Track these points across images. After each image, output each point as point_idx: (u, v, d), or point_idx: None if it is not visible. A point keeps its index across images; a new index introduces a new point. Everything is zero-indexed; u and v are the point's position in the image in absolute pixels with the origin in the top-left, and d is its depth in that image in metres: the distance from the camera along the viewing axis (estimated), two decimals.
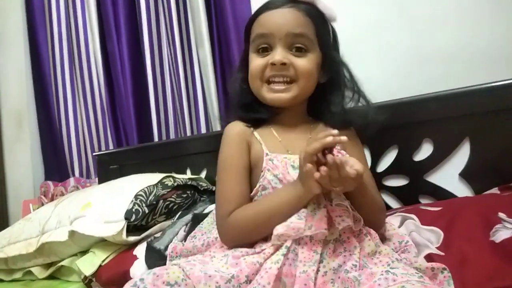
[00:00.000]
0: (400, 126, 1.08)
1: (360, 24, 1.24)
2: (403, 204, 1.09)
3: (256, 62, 0.80)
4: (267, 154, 0.78)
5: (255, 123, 0.84)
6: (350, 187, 0.66)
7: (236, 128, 0.84)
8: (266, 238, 0.70)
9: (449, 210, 0.83)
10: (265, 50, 0.80)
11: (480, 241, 0.70)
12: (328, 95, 0.84)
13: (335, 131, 0.63)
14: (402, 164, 1.09)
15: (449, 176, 1.04)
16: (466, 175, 1.03)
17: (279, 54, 0.76)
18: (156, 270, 0.60)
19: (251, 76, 0.82)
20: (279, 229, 0.66)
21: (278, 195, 0.72)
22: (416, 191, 1.08)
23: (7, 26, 2.16)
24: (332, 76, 0.84)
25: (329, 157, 0.62)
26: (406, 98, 1.08)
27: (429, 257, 0.71)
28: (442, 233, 0.76)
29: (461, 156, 1.03)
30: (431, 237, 0.76)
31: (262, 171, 0.77)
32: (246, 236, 0.73)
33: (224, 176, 0.80)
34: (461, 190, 1.03)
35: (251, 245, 0.72)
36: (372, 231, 0.72)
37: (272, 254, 0.66)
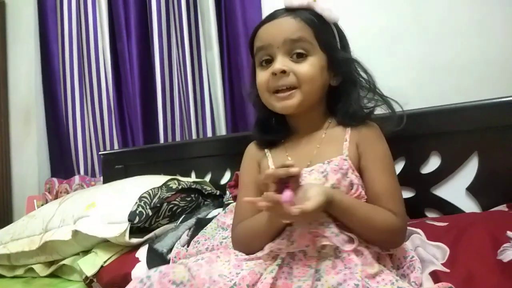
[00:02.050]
0: (408, 138, 1.06)
1: (373, 33, 1.23)
2: (408, 217, 1.07)
3: (260, 76, 0.81)
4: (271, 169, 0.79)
5: (270, 144, 0.86)
6: (302, 221, 0.66)
7: (250, 148, 0.89)
8: None
9: (456, 226, 0.82)
10: (268, 62, 0.80)
11: (487, 259, 0.69)
12: (343, 96, 0.82)
13: (289, 162, 0.63)
14: (409, 176, 1.08)
15: (456, 190, 1.03)
16: (473, 190, 1.01)
17: (278, 63, 0.76)
18: (163, 268, 0.62)
19: (259, 90, 0.82)
20: (265, 249, 0.69)
21: (261, 216, 0.74)
22: (422, 204, 1.07)
23: (19, 23, 2.18)
24: (344, 78, 0.82)
25: (265, 194, 0.61)
26: (416, 109, 1.06)
27: (434, 274, 0.70)
28: (448, 250, 0.75)
29: (469, 171, 1.02)
30: (437, 253, 0.75)
31: None
32: (245, 247, 0.76)
33: (239, 190, 0.87)
34: (468, 205, 1.02)
35: None
36: (369, 257, 0.67)
37: (270, 265, 0.67)
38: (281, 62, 0.76)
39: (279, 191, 0.62)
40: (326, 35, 0.80)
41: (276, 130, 0.86)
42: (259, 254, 0.71)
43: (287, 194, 0.61)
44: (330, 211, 0.67)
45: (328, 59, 0.80)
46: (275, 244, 0.68)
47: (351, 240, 0.67)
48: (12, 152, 2.20)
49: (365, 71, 0.82)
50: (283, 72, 0.76)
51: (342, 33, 0.85)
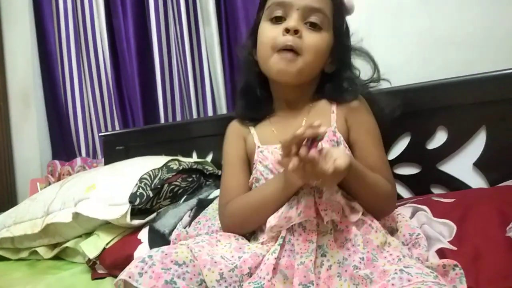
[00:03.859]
0: (413, 113, 1.03)
1: (374, 7, 1.18)
2: (414, 193, 1.06)
3: (268, 30, 0.77)
4: (258, 147, 0.80)
5: (253, 120, 0.85)
6: (329, 182, 0.63)
7: (233, 126, 0.88)
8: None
9: (463, 202, 0.80)
10: (278, 20, 0.76)
11: (495, 236, 0.67)
12: (333, 78, 0.81)
13: (317, 122, 0.59)
14: (415, 152, 1.05)
15: (462, 166, 1.01)
16: (480, 165, 0.99)
17: (294, 21, 0.73)
18: (165, 248, 0.61)
19: (262, 44, 0.78)
20: (271, 221, 0.67)
21: (264, 187, 0.74)
22: (428, 180, 1.05)
23: (13, 2, 2.13)
24: (339, 67, 0.81)
25: (302, 150, 0.57)
26: (421, 83, 1.03)
27: (441, 252, 0.68)
28: (455, 227, 0.73)
29: (476, 145, 0.99)
30: (443, 231, 0.73)
31: (254, 164, 0.79)
32: (240, 226, 0.75)
33: (224, 169, 0.85)
34: (475, 180, 0.99)
35: (251, 234, 0.74)
36: (376, 222, 0.69)
37: (272, 246, 0.66)
38: (296, 21, 0.73)
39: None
40: (341, 20, 0.80)
41: (260, 103, 0.84)
42: (260, 237, 0.69)
43: (314, 152, 0.59)
44: (347, 175, 0.64)
45: (334, 43, 0.78)
46: (284, 214, 0.66)
47: (353, 210, 0.67)
48: (13, 135, 2.18)
49: (374, 63, 0.83)
50: (296, 32, 0.73)
51: (348, 27, 0.84)
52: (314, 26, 0.75)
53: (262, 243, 0.69)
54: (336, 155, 0.59)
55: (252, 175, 0.79)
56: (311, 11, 0.74)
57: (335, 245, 0.64)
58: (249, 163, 0.83)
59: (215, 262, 0.61)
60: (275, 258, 0.63)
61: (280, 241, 0.65)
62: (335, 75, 0.81)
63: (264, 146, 0.79)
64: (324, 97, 0.81)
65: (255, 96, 0.85)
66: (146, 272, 0.56)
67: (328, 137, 0.73)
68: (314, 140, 0.59)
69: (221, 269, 0.61)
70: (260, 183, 0.77)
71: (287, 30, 0.73)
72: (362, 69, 0.87)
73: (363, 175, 0.68)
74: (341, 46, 0.79)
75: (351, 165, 0.62)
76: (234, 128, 0.87)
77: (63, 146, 2.03)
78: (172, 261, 0.59)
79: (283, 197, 0.69)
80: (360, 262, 0.59)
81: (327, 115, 0.78)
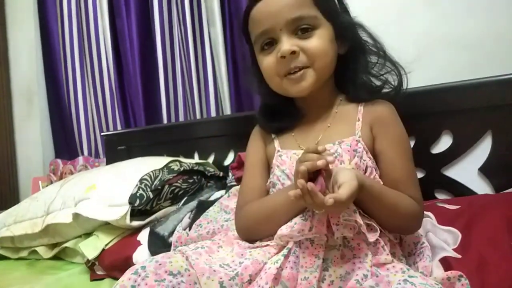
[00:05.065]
0: (418, 116, 1.02)
1: (382, 8, 1.17)
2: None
3: (266, 61, 0.74)
4: (278, 151, 0.78)
5: (277, 129, 0.82)
6: (333, 212, 0.60)
7: (257, 130, 0.86)
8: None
9: (468, 209, 0.78)
10: (270, 44, 0.74)
11: (501, 245, 0.66)
12: (351, 63, 0.77)
13: (321, 148, 0.60)
14: (419, 156, 1.02)
15: (468, 171, 0.99)
16: (486, 170, 0.97)
17: (286, 44, 0.70)
18: (159, 258, 0.59)
19: (267, 77, 0.76)
20: (283, 230, 0.64)
21: (277, 196, 0.71)
22: (432, 185, 1.03)
23: (18, 2, 2.13)
24: (351, 44, 0.76)
25: (299, 182, 0.55)
26: (426, 86, 1.02)
27: (445, 260, 0.67)
28: (460, 234, 0.71)
29: (482, 150, 0.98)
30: (448, 238, 0.72)
31: (272, 168, 0.77)
32: (251, 231, 0.72)
33: (244, 172, 0.83)
34: (480, 186, 0.98)
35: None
36: (388, 247, 0.64)
37: (275, 254, 0.64)
38: (288, 43, 0.70)
39: (311, 177, 0.58)
40: (327, 2, 0.74)
41: (284, 115, 0.81)
42: (265, 242, 0.67)
43: (319, 181, 0.57)
44: (359, 196, 0.60)
45: (333, 27, 0.74)
46: (297, 225, 0.63)
47: (370, 229, 0.62)
48: (16, 133, 2.19)
49: (371, 36, 0.76)
50: (293, 53, 0.70)
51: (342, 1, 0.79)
52: (307, 30, 0.71)
53: (266, 245, 0.66)
54: (341, 180, 0.56)
55: (269, 180, 0.77)
56: (294, 22, 0.70)
57: (341, 261, 0.61)
58: (269, 167, 0.81)
59: (214, 271, 0.59)
60: (277, 268, 0.60)
61: (285, 251, 0.63)
62: (351, 58, 0.77)
63: (283, 151, 0.77)
64: (349, 98, 0.78)
65: (277, 109, 0.82)
66: (139, 284, 0.55)
67: (350, 146, 0.70)
68: (320, 170, 0.58)
69: (221, 278, 0.59)
70: (276, 188, 0.75)
71: (283, 57, 0.70)
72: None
73: (379, 196, 0.64)
74: (341, 26, 0.74)
75: (362, 187, 0.59)
76: (258, 132, 0.86)
77: (65, 145, 2.04)
78: (166, 272, 0.57)
79: (294, 209, 0.66)
80: (362, 279, 0.56)
81: (351, 122, 0.74)
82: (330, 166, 0.61)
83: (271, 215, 0.69)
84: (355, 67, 0.76)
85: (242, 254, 0.66)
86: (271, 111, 0.82)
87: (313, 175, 0.59)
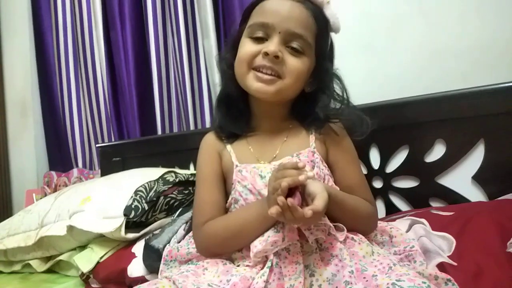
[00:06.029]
0: (411, 125, 1.03)
1: (373, 17, 1.19)
2: (412, 206, 1.05)
3: (247, 47, 0.75)
4: (236, 166, 0.77)
5: (231, 137, 0.82)
6: (310, 223, 0.63)
7: (208, 139, 0.85)
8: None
9: (462, 216, 0.79)
10: (260, 39, 0.75)
11: (496, 252, 0.66)
12: (312, 101, 0.80)
13: (301, 164, 0.61)
14: (413, 165, 1.05)
15: (461, 179, 1.00)
16: (479, 178, 0.98)
17: (274, 45, 0.71)
18: (145, 286, 0.59)
19: (239, 60, 0.76)
20: (257, 245, 0.65)
21: (246, 211, 0.71)
22: (426, 194, 1.04)
23: (12, 13, 2.14)
24: (319, 87, 0.79)
25: (279, 199, 0.57)
26: (419, 96, 1.03)
27: (442, 266, 0.67)
28: (454, 241, 0.72)
29: (475, 159, 0.99)
30: (442, 245, 0.72)
31: (232, 183, 0.77)
32: (219, 248, 0.72)
33: (197, 186, 0.81)
34: (474, 194, 0.99)
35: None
36: (359, 235, 0.69)
37: (261, 269, 0.64)
38: (277, 46, 0.72)
39: (289, 193, 0.60)
40: (324, 42, 0.78)
41: (239, 116, 0.82)
42: (246, 263, 0.68)
43: (297, 196, 0.59)
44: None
45: (315, 65, 0.77)
46: (270, 238, 0.64)
47: (338, 229, 0.67)
48: (10, 145, 2.17)
49: (344, 89, 0.79)
50: (276, 57, 0.72)
51: (333, 45, 0.83)
52: (296, 50, 0.73)
53: (249, 266, 0.67)
54: (314, 193, 0.60)
55: (231, 196, 0.77)
56: (293, 36, 0.72)
57: (322, 264, 0.63)
58: (224, 181, 0.80)
59: None
60: (264, 281, 0.61)
61: (269, 264, 0.63)
62: (313, 97, 0.80)
63: (242, 165, 0.76)
64: (300, 123, 0.81)
65: (234, 108, 0.82)
66: None
67: (307, 157, 0.74)
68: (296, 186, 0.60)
69: None
70: (239, 203, 0.75)
71: (266, 54, 0.72)
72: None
73: (342, 202, 0.69)
74: (321, 69, 0.78)
75: (330, 195, 0.62)
76: (210, 142, 0.84)
77: (60, 157, 2.02)
78: None
79: (266, 224, 0.67)
80: (350, 276, 0.57)
81: (305, 136, 0.79)
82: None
83: (240, 232, 0.69)
84: (313, 106, 0.79)
85: (227, 271, 0.66)
86: (227, 105, 0.83)
87: (289, 190, 0.60)
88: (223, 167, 0.80)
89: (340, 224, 0.67)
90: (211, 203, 0.76)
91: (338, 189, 0.74)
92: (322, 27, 0.76)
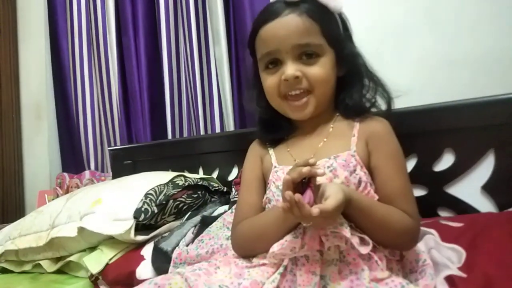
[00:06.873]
0: (421, 134, 1.03)
1: (383, 27, 1.19)
2: (420, 216, 1.04)
3: (269, 80, 0.77)
4: (275, 167, 0.78)
5: (274, 141, 0.84)
6: (321, 224, 0.60)
7: (254, 145, 0.87)
8: None
9: (473, 227, 0.78)
10: (274, 63, 0.76)
11: (508, 265, 0.65)
12: (347, 85, 0.79)
13: (312, 160, 0.60)
14: (421, 174, 1.04)
15: (470, 189, 0.99)
16: (489, 188, 0.97)
17: (290, 69, 0.72)
18: (158, 280, 0.59)
19: (269, 96, 0.79)
20: (275, 248, 0.64)
21: (269, 213, 0.72)
22: (435, 203, 1.03)
23: (29, 19, 2.19)
24: (349, 69, 0.79)
25: (286, 193, 0.56)
26: (429, 104, 1.03)
27: (450, 279, 0.66)
28: (464, 252, 0.71)
29: (485, 168, 0.98)
30: (452, 256, 0.71)
31: (268, 184, 0.78)
32: (245, 249, 0.73)
33: (240, 188, 0.84)
34: (483, 204, 0.97)
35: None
36: (383, 263, 0.63)
37: (273, 273, 0.64)
38: (292, 67, 0.73)
39: (300, 190, 0.59)
40: (332, 28, 0.76)
41: (280, 127, 0.83)
42: (262, 261, 0.67)
43: (307, 194, 0.58)
44: (348, 210, 0.62)
45: (335, 54, 0.76)
46: (288, 243, 0.63)
47: (363, 242, 0.62)
48: (24, 147, 2.22)
49: (367, 64, 0.80)
50: (296, 77, 0.72)
51: (345, 22, 0.81)
52: (311, 57, 0.73)
53: (264, 264, 0.67)
54: (328, 193, 0.57)
55: (265, 196, 0.78)
56: (301, 47, 0.73)
57: (338, 277, 0.61)
58: (265, 183, 0.81)
59: None
60: (274, 287, 0.61)
61: (281, 269, 0.63)
62: (347, 81, 0.79)
63: (280, 167, 0.77)
64: (343, 115, 0.80)
65: (273, 122, 0.84)
66: None
67: (345, 160, 0.71)
68: (310, 179, 0.59)
69: None
70: (272, 204, 0.75)
71: (286, 80, 0.73)
72: None
73: (368, 210, 0.64)
74: (343, 53, 0.77)
75: (350, 201, 0.60)
76: (254, 148, 0.87)
77: (72, 159, 2.06)
78: None
79: (285, 226, 0.66)
80: None
81: (347, 137, 0.75)
82: (321, 180, 0.62)
83: (262, 234, 0.69)
84: (350, 89, 0.79)
85: (240, 274, 0.66)
86: (268, 124, 0.84)
87: (302, 188, 0.59)
88: (264, 170, 0.82)
89: (367, 238, 0.63)
90: (249, 205, 0.78)
91: (376, 197, 0.70)
92: (324, 18, 0.75)
